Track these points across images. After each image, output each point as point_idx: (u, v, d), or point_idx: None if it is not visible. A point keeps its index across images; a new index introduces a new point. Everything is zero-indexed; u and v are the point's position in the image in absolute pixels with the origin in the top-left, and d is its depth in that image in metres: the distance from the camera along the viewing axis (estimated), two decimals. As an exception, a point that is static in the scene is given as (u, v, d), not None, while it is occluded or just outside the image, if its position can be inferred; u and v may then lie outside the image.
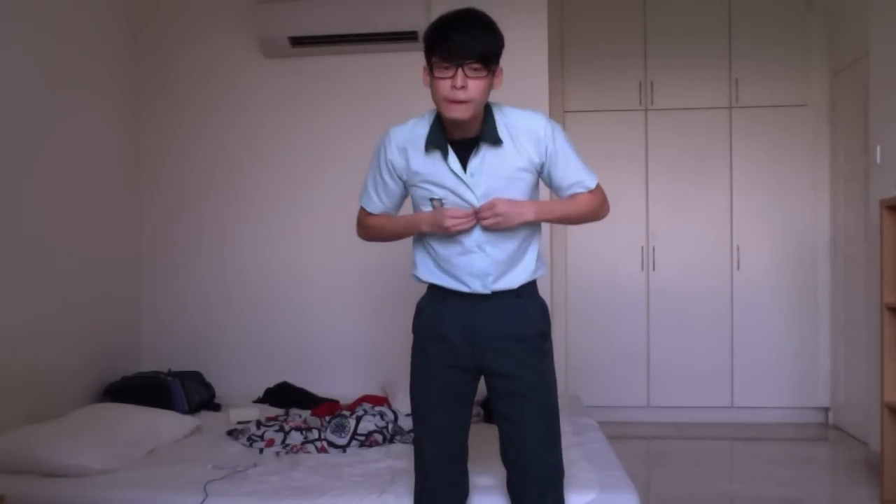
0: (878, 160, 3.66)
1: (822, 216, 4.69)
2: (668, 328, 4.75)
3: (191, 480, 2.34)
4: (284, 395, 3.62)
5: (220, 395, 3.74)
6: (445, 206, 1.84)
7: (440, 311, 1.93)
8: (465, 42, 1.70)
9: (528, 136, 1.85)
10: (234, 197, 3.97)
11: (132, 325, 3.90)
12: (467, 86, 1.71)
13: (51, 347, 3.15)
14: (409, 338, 4.11)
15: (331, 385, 3.78)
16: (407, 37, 3.71)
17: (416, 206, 1.94)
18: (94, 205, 3.52)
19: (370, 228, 2.03)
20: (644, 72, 4.78)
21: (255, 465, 2.52)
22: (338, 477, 2.39)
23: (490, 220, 1.79)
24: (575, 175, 1.90)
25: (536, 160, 1.86)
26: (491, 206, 1.79)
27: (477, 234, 1.85)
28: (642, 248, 4.79)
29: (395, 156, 1.89)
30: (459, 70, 1.71)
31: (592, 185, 1.92)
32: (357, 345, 3.92)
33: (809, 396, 4.68)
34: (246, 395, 3.75)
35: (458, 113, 1.74)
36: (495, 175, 1.83)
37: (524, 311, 1.92)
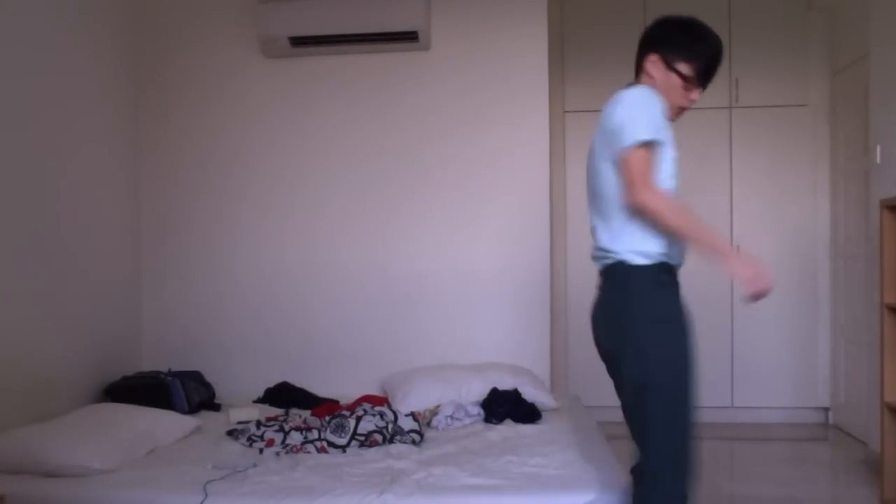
0: (878, 160, 3.66)
1: (823, 216, 4.69)
2: (668, 328, 4.73)
3: (191, 480, 2.33)
4: (284, 395, 3.62)
5: (220, 395, 3.74)
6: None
7: (677, 293, 2.01)
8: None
9: None
10: (235, 197, 3.98)
11: (132, 325, 3.90)
12: None
13: (51, 348, 3.15)
14: (408, 338, 4.07)
15: (331, 385, 3.78)
16: (407, 37, 3.71)
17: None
18: (93, 204, 3.52)
19: (675, 210, 1.88)
20: (644, 72, 4.78)
21: (254, 465, 2.52)
22: (338, 477, 2.39)
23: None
24: None
25: None
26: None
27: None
28: (642, 248, 4.78)
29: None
30: (699, 90, 1.96)
31: None
32: (357, 345, 3.92)
33: (809, 396, 4.69)
34: (246, 395, 3.75)
35: (677, 117, 2.01)
36: None
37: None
